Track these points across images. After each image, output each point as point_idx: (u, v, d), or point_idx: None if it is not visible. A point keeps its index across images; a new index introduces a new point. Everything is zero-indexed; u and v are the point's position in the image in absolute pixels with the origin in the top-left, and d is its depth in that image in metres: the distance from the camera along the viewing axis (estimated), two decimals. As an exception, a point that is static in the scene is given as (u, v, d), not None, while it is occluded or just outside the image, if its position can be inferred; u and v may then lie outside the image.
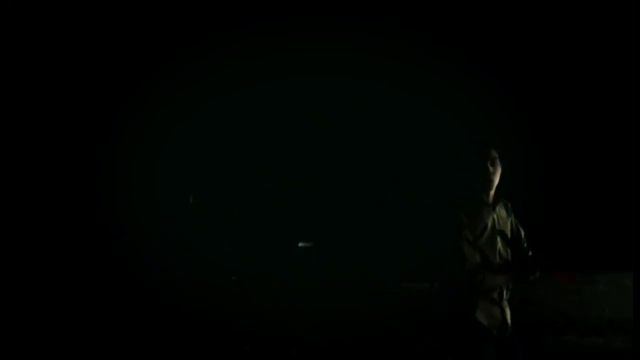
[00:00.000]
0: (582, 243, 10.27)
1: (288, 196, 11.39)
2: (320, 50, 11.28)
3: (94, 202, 9.51)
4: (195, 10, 10.77)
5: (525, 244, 3.37)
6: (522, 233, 3.43)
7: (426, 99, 10.84)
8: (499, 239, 3.25)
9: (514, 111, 11.58)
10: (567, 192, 12.14)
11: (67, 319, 5.73)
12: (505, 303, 3.24)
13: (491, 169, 3.22)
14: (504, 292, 3.24)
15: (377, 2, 11.31)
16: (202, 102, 10.98)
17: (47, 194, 9.34)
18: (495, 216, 3.28)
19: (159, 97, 10.47)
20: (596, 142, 12.24)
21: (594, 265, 9.66)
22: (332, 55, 11.24)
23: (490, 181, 3.23)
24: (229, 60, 10.91)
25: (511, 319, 3.22)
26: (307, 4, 10.86)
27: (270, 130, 11.56)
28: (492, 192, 3.27)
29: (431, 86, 11.05)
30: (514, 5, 11.41)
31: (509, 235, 3.35)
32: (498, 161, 3.25)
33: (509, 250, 3.30)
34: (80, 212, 9.33)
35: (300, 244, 10.80)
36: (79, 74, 10.02)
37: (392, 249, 10.02)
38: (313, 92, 11.45)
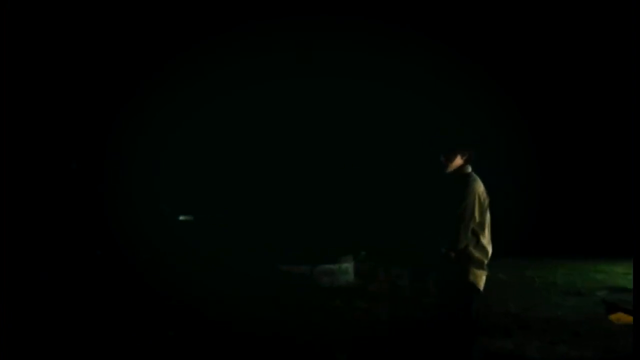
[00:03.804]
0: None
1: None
2: (320, 51, 11.29)
3: (94, 201, 9.50)
4: (195, 10, 10.78)
5: None
6: None
7: (426, 98, 10.85)
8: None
9: (514, 111, 11.60)
10: (568, 188, 12.18)
11: (65, 319, 5.72)
12: None
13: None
14: None
15: (377, 2, 11.33)
16: (202, 102, 10.98)
17: (47, 194, 9.33)
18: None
19: (159, 97, 10.47)
20: (594, 141, 12.29)
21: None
22: (333, 55, 11.25)
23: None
24: (229, 60, 10.92)
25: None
26: (307, 4, 10.87)
27: (270, 130, 11.56)
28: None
29: (431, 86, 11.06)
30: (514, 5, 11.43)
31: None
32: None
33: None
34: (80, 211, 9.33)
35: (180, 217, 9.91)
36: (79, 74, 10.02)
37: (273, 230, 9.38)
38: (313, 92, 11.45)
